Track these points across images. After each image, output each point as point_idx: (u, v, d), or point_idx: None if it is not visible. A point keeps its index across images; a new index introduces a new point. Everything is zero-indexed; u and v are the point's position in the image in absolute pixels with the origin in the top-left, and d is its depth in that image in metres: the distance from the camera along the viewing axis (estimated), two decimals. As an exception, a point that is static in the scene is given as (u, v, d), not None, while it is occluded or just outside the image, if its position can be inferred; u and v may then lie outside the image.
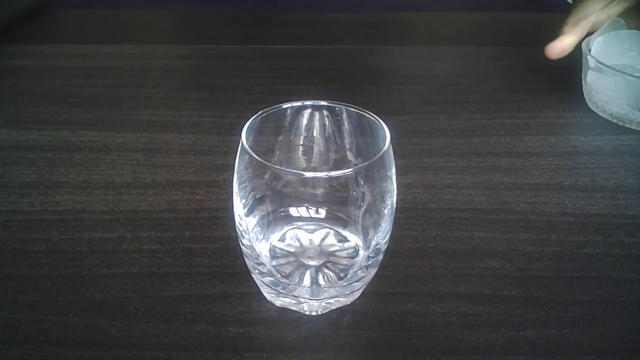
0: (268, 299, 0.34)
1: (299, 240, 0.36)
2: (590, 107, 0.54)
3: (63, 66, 0.64)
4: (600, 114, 0.53)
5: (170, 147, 0.49)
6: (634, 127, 0.51)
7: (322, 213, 0.36)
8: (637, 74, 0.50)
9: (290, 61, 0.65)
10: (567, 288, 0.36)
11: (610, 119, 0.52)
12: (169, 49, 0.69)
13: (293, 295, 0.33)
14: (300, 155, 0.37)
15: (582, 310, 0.34)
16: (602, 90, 0.52)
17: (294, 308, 0.34)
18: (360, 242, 0.35)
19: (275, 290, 0.33)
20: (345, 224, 0.36)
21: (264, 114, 0.33)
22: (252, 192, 0.33)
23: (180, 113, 0.54)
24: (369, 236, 0.34)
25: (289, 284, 0.33)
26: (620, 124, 0.52)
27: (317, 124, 0.36)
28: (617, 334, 0.33)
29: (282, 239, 0.36)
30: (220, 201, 0.43)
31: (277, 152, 0.36)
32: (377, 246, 0.33)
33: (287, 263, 0.35)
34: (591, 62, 0.52)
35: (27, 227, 0.40)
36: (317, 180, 0.32)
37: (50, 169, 0.46)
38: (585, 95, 0.54)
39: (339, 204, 0.35)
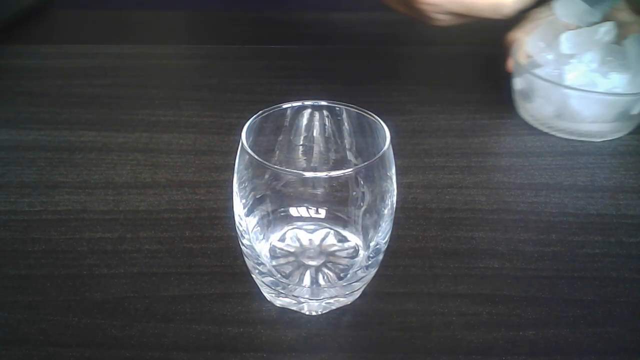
0: (268, 299, 0.34)
1: (299, 240, 0.36)
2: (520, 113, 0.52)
3: (63, 66, 0.64)
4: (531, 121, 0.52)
5: (170, 147, 0.49)
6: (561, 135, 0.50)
7: (322, 213, 0.36)
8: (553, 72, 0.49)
9: (290, 61, 0.65)
10: (567, 288, 0.36)
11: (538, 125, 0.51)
12: (169, 49, 0.69)
13: (293, 295, 0.33)
14: (300, 155, 0.37)
15: (582, 310, 0.34)
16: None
17: (294, 308, 0.34)
18: (360, 242, 0.35)
19: (275, 290, 0.33)
20: (345, 224, 0.36)
21: (264, 114, 0.33)
22: (252, 192, 0.33)
23: (180, 113, 0.54)
24: (369, 236, 0.34)
25: (289, 284, 0.33)
26: (546, 130, 0.50)
27: (317, 124, 0.36)
28: (617, 334, 0.33)
29: (282, 239, 0.36)
30: (220, 201, 0.43)
31: (277, 152, 0.36)
32: (377, 246, 0.33)
33: (287, 263, 0.35)
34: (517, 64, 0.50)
35: (27, 227, 0.40)
36: (317, 180, 0.32)
37: (50, 169, 0.46)
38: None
39: (339, 204, 0.35)
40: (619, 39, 0.51)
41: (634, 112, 0.48)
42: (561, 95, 0.48)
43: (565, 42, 0.50)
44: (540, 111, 0.50)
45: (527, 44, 0.52)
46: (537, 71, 0.50)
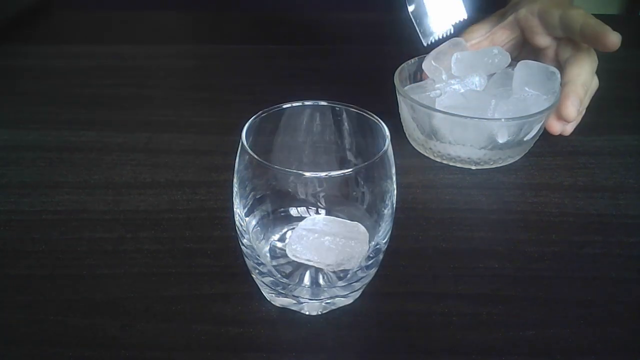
0: (268, 299, 0.34)
1: (299, 240, 0.36)
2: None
3: (63, 66, 0.64)
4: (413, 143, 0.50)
5: (170, 147, 0.49)
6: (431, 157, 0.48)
7: (322, 213, 0.36)
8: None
9: (290, 61, 0.65)
10: (567, 288, 0.36)
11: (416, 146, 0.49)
12: (169, 49, 0.69)
13: (293, 295, 0.33)
14: (301, 155, 0.37)
15: (582, 310, 0.34)
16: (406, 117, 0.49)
17: (294, 308, 0.34)
18: (360, 242, 0.35)
19: (275, 290, 0.33)
20: (345, 224, 0.36)
21: (264, 114, 0.33)
22: (252, 192, 0.33)
23: (180, 113, 0.54)
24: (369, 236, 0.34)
25: (289, 284, 0.33)
26: (422, 151, 0.49)
27: (317, 124, 0.36)
28: (617, 334, 0.33)
29: (282, 239, 0.36)
30: (220, 201, 0.43)
31: (277, 152, 0.36)
32: (377, 246, 0.33)
33: (287, 263, 0.35)
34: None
35: (27, 227, 0.40)
36: (317, 180, 0.32)
37: (50, 169, 0.46)
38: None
39: (339, 204, 0.35)
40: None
41: (501, 139, 0.44)
42: (426, 116, 0.45)
43: (455, 63, 0.49)
44: (413, 131, 0.48)
45: (424, 62, 0.50)
46: (416, 89, 0.48)
